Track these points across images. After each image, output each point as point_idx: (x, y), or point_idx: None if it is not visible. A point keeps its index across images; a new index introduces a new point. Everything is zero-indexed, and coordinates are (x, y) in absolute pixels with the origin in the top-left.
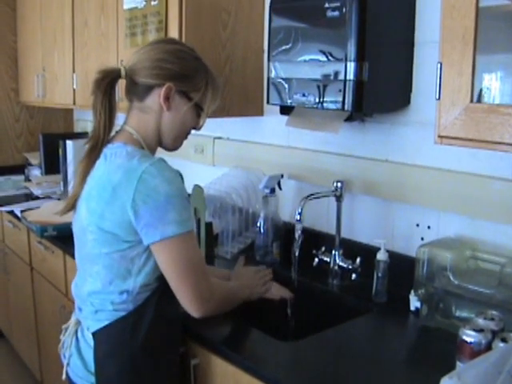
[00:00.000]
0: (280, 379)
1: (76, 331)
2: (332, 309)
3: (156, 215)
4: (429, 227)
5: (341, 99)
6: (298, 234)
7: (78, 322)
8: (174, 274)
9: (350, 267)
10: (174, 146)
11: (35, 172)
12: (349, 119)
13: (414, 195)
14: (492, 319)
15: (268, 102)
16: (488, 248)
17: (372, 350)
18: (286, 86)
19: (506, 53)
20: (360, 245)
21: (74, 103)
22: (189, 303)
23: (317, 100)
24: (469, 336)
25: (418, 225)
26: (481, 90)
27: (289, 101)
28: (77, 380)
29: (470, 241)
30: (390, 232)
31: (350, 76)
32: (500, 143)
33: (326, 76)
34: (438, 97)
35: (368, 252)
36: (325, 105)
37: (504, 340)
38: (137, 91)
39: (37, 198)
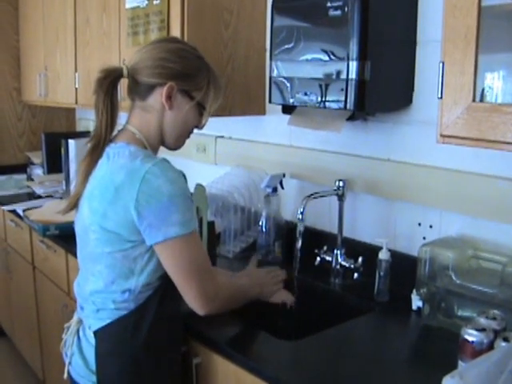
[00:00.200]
0: (282, 378)
1: (78, 330)
2: (334, 308)
3: (159, 216)
4: (431, 226)
5: (343, 98)
6: (299, 233)
7: (80, 321)
8: (179, 274)
9: (352, 266)
10: (176, 145)
11: (37, 171)
12: (351, 118)
13: (416, 194)
14: (494, 318)
15: (270, 102)
16: (490, 247)
17: (374, 349)
18: (288, 85)
19: (509, 52)
20: (362, 244)
21: (76, 102)
22: (194, 301)
23: (319, 99)
24: (471, 335)
25: (419, 224)
26: (483, 89)
27: (291, 100)
28: (78, 379)
29: (472, 240)
30: (392, 231)
31: (352, 75)
32: (502, 142)
33: (328, 75)
34: (440, 96)
35: (370, 251)
36: (327, 104)
37: (506, 339)
38: (139, 90)
39: (39, 197)
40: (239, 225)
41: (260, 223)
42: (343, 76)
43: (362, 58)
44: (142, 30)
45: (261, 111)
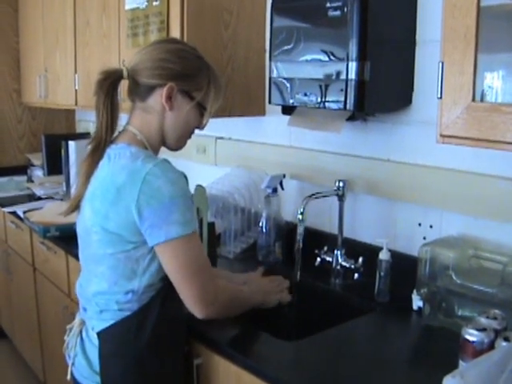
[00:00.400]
0: (282, 378)
1: (80, 331)
2: (334, 308)
3: (160, 216)
4: (431, 226)
5: (343, 99)
6: (300, 233)
7: (83, 322)
8: (179, 275)
9: (353, 267)
10: (177, 146)
11: (38, 173)
12: (351, 119)
13: (416, 194)
14: (495, 318)
15: (270, 102)
16: (490, 247)
17: (374, 349)
18: (288, 85)
19: (508, 52)
20: (362, 244)
21: (76, 104)
22: (193, 304)
23: (319, 100)
24: (471, 335)
25: (420, 224)
26: (483, 89)
27: (291, 100)
28: (82, 380)
29: (473, 240)
30: (393, 231)
31: (352, 75)
32: (502, 142)
33: (328, 76)
34: (439, 96)
35: (370, 251)
36: (327, 104)
37: (507, 339)
38: (139, 91)
39: (39, 198)
40: (239, 225)
41: (260, 224)
42: (343, 76)
43: (361, 58)
44: (141, 31)
45: (261, 112)
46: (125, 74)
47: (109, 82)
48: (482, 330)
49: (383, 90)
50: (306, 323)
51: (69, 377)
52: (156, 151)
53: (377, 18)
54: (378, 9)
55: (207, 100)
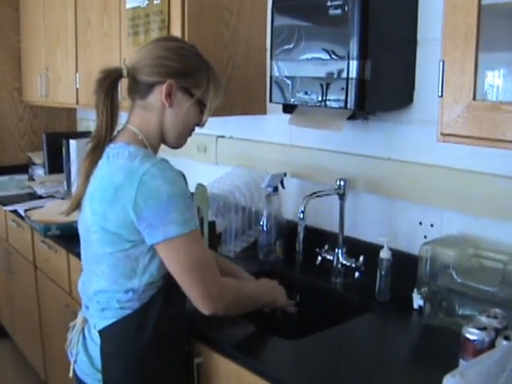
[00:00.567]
0: (283, 378)
1: (83, 329)
2: (335, 307)
3: (158, 216)
4: (432, 225)
5: (343, 97)
6: (300, 232)
7: (85, 320)
8: (181, 274)
9: (353, 265)
10: (177, 144)
11: (39, 171)
12: (351, 117)
13: (416, 193)
14: (495, 317)
15: (271, 101)
16: (491, 246)
17: (375, 348)
18: (289, 84)
19: (509, 50)
20: (363, 243)
21: (77, 102)
22: (199, 301)
23: (319, 98)
24: (472, 334)
25: (420, 223)
26: (483, 88)
27: (292, 99)
28: (84, 377)
29: (473, 239)
30: (393, 230)
31: (353, 74)
32: (503, 141)
33: (329, 74)
34: (440, 94)
35: (371, 250)
36: (327, 103)
37: (507, 338)
38: (139, 89)
39: (40, 197)
40: (240, 224)
41: (261, 223)
42: (344, 75)
43: (362, 57)
44: (142, 30)
45: (261, 111)
46: (124, 72)
47: (108, 81)
48: (483, 328)
49: (384, 88)
50: (307, 322)
51: (71, 374)
52: (155, 150)
53: (378, 17)
54: (378, 7)
55: (207, 97)
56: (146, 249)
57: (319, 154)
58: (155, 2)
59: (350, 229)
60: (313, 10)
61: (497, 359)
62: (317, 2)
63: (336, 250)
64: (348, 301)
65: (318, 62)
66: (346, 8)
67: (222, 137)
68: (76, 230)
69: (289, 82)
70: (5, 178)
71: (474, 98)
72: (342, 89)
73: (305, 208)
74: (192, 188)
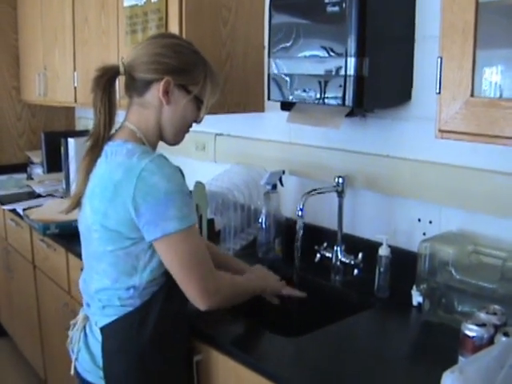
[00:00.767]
0: (282, 375)
1: (84, 326)
2: (334, 304)
3: (156, 212)
4: (430, 222)
5: (341, 95)
6: (299, 229)
7: (86, 318)
8: (179, 269)
9: (352, 263)
10: (175, 141)
11: (37, 170)
12: (350, 115)
13: (415, 190)
14: (494, 313)
15: (269, 98)
16: (490, 242)
17: (374, 345)
18: (287, 81)
19: (507, 47)
20: (362, 240)
21: (75, 101)
22: (195, 297)
23: (318, 96)
24: (471, 330)
25: (419, 220)
26: (481, 84)
27: (290, 97)
28: (85, 374)
29: (472, 235)
30: (392, 227)
31: (351, 71)
32: (501, 137)
33: (327, 72)
34: (438, 91)
35: (370, 247)
36: (326, 100)
37: (506, 334)
38: (136, 87)
39: (39, 196)
40: (239, 222)
41: (260, 220)
42: (342, 72)
43: (360, 54)
44: (140, 28)
45: (260, 108)
46: (121, 69)
47: (106, 79)
48: (482, 325)
49: (382, 85)
50: (306, 319)
51: (72, 371)
52: (154, 147)
53: (375, 14)
54: (376, 4)
55: (204, 94)
56: (146, 246)
57: (318, 152)
58: (153, 0)
59: (349, 226)
60: (310, 8)
61: (496, 356)
62: (314, 0)
63: (335, 248)
64: (347, 298)
65: (316, 60)
66: (344, 5)
67: (221, 135)
68: (75, 228)
69: (287, 79)
70: (3, 177)
71: (472, 95)
72: (340, 86)
73: (303, 205)
74: (191, 186)
